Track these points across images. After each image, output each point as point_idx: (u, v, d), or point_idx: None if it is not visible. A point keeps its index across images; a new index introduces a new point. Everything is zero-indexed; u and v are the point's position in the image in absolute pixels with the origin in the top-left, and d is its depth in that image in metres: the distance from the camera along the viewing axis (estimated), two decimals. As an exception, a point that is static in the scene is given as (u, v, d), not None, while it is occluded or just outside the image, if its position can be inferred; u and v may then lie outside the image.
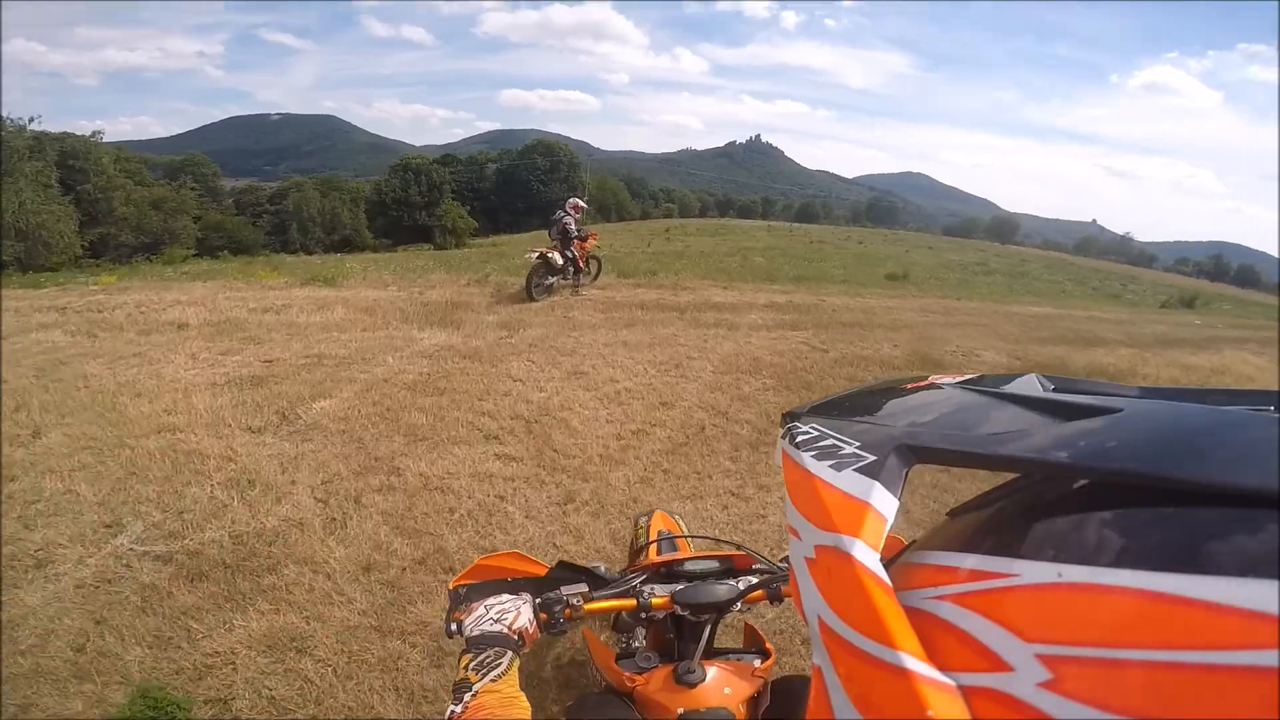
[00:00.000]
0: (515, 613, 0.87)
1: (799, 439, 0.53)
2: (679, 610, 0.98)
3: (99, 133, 37.64)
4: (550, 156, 63.19)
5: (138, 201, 36.57)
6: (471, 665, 0.77)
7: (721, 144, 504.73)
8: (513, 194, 60.47)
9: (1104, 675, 0.26)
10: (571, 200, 8.57)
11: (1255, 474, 0.28)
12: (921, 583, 0.37)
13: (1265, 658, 0.22)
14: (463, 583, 0.95)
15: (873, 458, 0.44)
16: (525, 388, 4.81)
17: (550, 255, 7.73)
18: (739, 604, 0.99)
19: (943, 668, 0.31)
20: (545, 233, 8.58)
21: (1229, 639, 0.23)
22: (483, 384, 4.86)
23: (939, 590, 0.36)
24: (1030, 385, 0.52)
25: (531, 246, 8.08)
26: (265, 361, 5.19)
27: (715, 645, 1.06)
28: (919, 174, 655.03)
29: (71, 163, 33.73)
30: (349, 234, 46.72)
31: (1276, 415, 0.33)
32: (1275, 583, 0.23)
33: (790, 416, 0.60)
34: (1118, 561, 0.29)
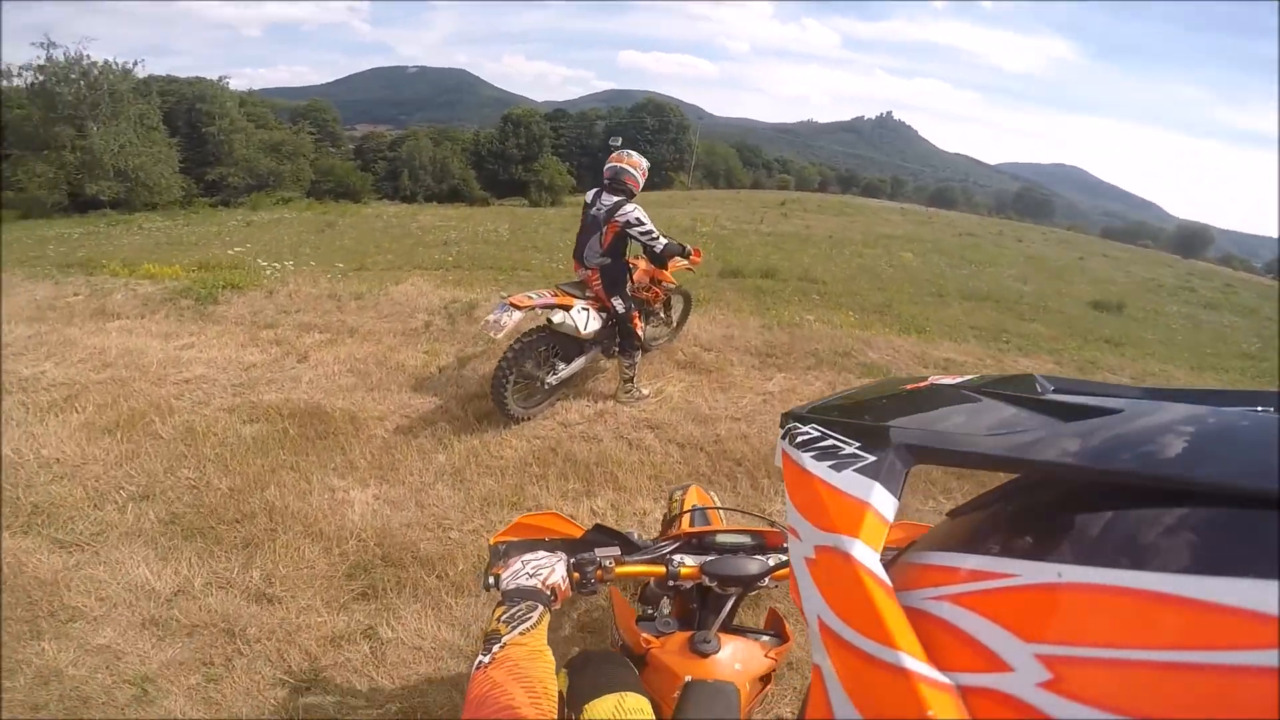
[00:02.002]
0: (550, 569, 0.88)
1: (799, 439, 0.51)
2: (706, 581, 0.96)
3: (225, 78, 39.50)
4: (660, 117, 60.65)
5: (255, 144, 37.94)
6: (503, 618, 0.77)
7: (847, 118, 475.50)
8: (623, 153, 57.34)
9: (1104, 675, 0.26)
10: (625, 153, 3.36)
11: (1255, 474, 0.27)
12: (921, 583, 0.37)
13: (1265, 658, 0.22)
14: (503, 539, 0.97)
15: (873, 458, 0.43)
16: None
17: (564, 319, 3.07)
18: (767, 579, 0.96)
19: (943, 668, 0.31)
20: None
21: (1229, 639, 0.23)
22: None
23: (939, 590, 0.35)
24: (1030, 386, 0.50)
25: (509, 295, 3.09)
26: None
27: (737, 624, 1.04)
28: (1073, 167, 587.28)
29: (200, 106, 35.82)
30: (457, 184, 47.09)
31: (1276, 416, 0.33)
32: (1275, 583, 0.23)
33: (790, 417, 0.57)
34: (1117, 561, 0.28)
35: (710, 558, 0.99)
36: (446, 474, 2.82)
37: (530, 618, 0.77)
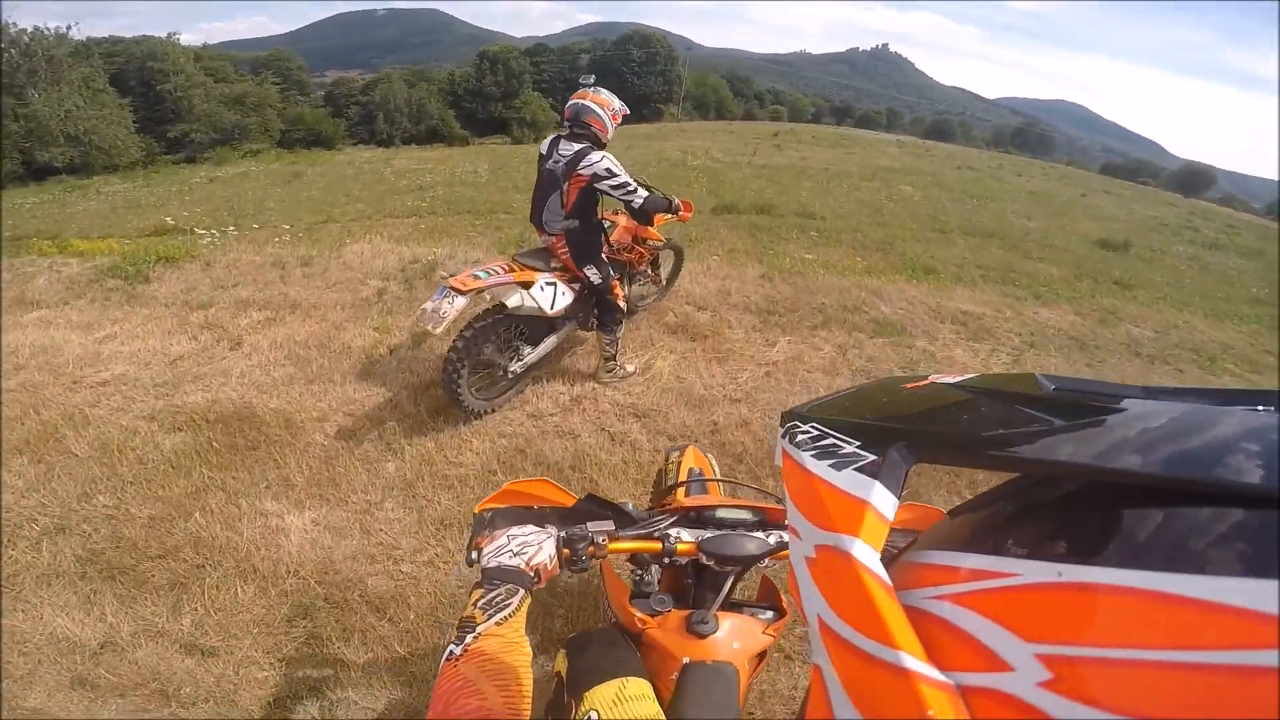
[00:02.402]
0: (537, 547, 0.82)
1: (799, 438, 0.51)
2: (703, 559, 0.92)
3: (175, 34, 38.42)
4: (646, 49, 58.02)
5: (216, 99, 36.77)
6: (480, 603, 0.72)
7: (842, 49, 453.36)
8: (606, 87, 55.10)
9: (1104, 675, 0.26)
10: (593, 90, 2.80)
11: (1256, 474, 0.27)
12: (921, 583, 0.37)
13: (1265, 658, 0.22)
14: (489, 506, 0.91)
15: (873, 457, 0.43)
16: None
17: (521, 300, 2.58)
18: (766, 560, 0.93)
19: (943, 668, 0.30)
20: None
21: (1229, 639, 0.23)
22: None
23: (939, 590, 0.35)
24: (1031, 384, 0.49)
25: (451, 274, 2.53)
26: None
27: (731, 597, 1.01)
28: (1073, 103, 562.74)
29: (151, 64, 34.68)
30: (436, 124, 45.87)
31: (1277, 415, 0.33)
32: (1275, 583, 0.23)
33: (790, 416, 0.56)
34: (1118, 561, 0.28)
35: (708, 534, 0.93)
36: (396, 489, 2.44)
37: (510, 604, 0.72)
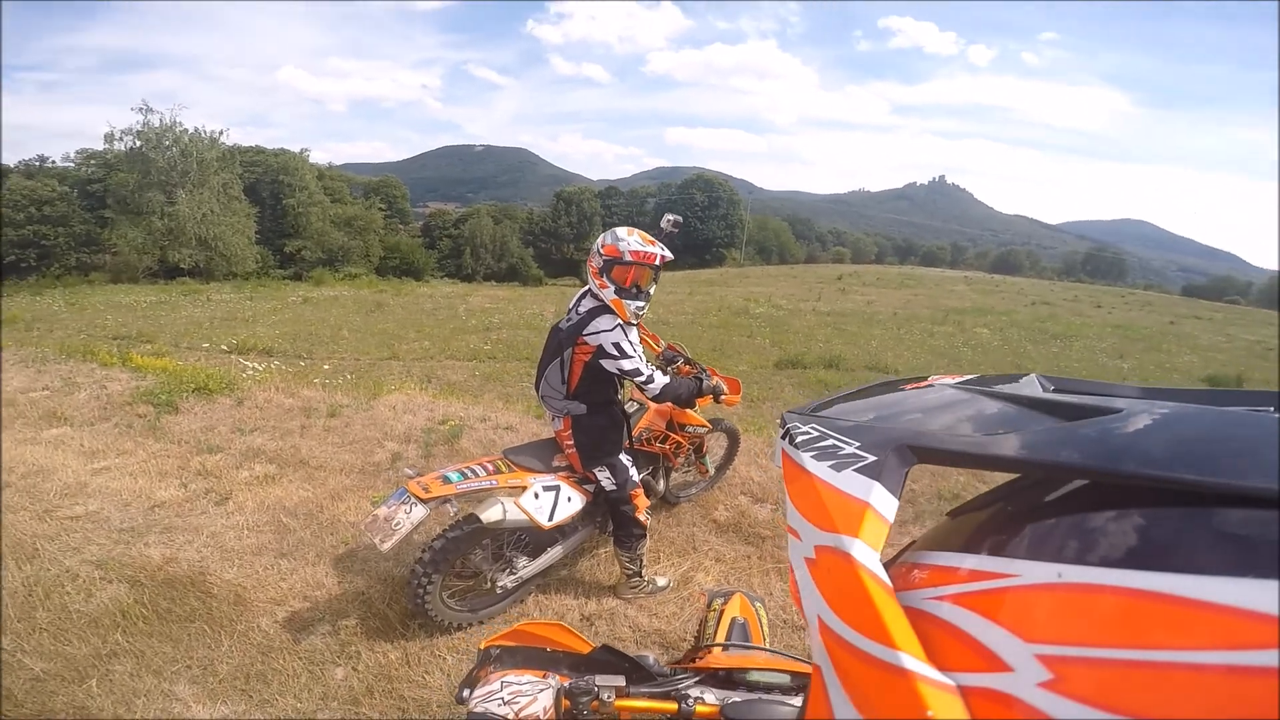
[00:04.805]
0: (531, 698, 0.79)
1: (799, 439, 0.50)
2: None
3: (306, 150, 40.73)
4: (709, 192, 60.39)
5: (330, 218, 38.33)
6: None
7: (900, 185, 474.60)
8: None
9: (1104, 675, 0.26)
10: (614, 232, 2.16)
11: (1255, 474, 0.27)
12: (921, 583, 0.37)
13: (1265, 658, 0.22)
14: (497, 644, 0.89)
15: (873, 458, 0.42)
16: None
17: (501, 513, 2.02)
18: None
19: (943, 668, 0.30)
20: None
21: (1229, 639, 0.24)
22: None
23: (939, 590, 0.36)
24: (1030, 386, 0.51)
25: (416, 471, 2.11)
26: None
27: None
28: (1140, 221, 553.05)
29: (283, 177, 36.66)
30: (515, 263, 47.41)
31: (1276, 415, 0.33)
32: (1275, 583, 0.24)
33: (790, 416, 0.56)
34: (1118, 561, 0.29)
35: (734, 698, 0.84)
36: (337, 701, 1.92)
37: None
